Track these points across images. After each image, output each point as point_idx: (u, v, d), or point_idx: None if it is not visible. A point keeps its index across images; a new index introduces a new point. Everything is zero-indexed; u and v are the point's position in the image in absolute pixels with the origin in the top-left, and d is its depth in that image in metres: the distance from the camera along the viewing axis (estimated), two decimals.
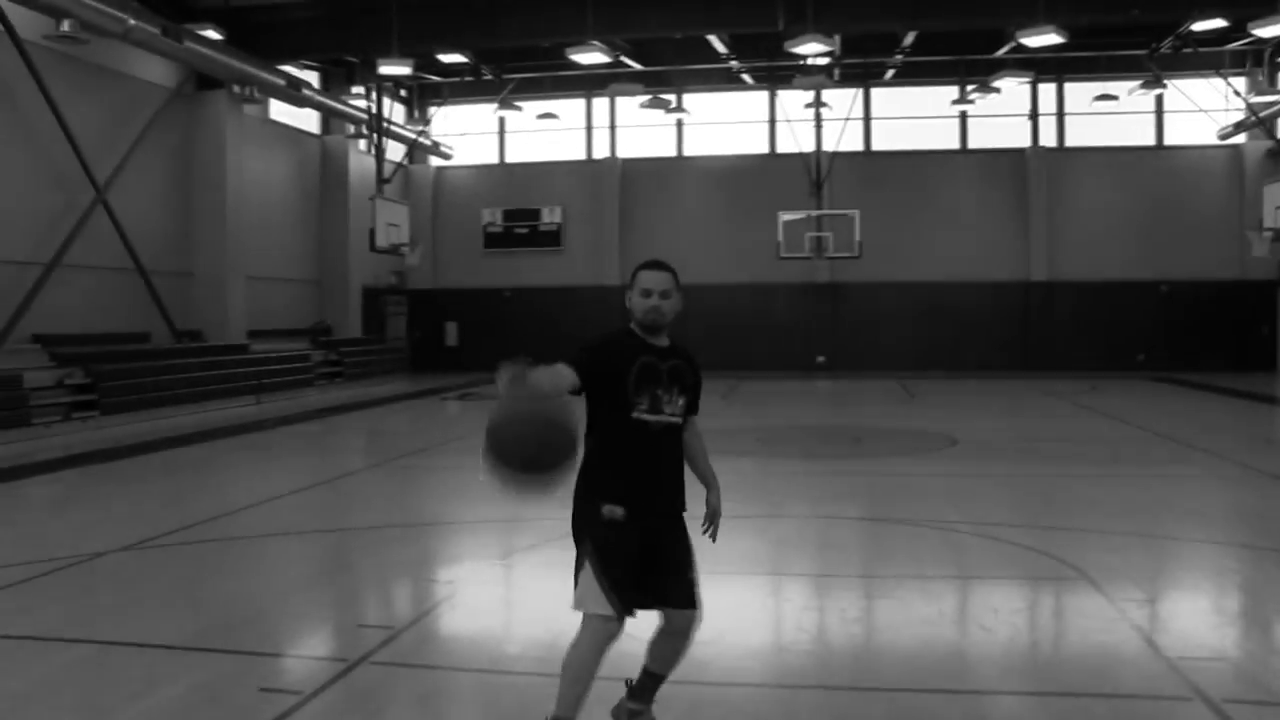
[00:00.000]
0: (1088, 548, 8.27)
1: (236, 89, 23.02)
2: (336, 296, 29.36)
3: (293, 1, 23.58)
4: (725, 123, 32.56)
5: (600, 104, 32.93)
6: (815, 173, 30.05)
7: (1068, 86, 31.09)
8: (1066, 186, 30.87)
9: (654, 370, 4.31)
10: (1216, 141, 30.48)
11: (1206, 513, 10.21)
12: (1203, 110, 29.46)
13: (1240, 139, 30.09)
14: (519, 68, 29.11)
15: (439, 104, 31.93)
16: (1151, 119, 30.98)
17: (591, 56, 22.94)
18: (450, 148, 33.41)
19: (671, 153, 32.94)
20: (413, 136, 30.93)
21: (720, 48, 26.74)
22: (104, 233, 20.36)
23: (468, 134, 33.53)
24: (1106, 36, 26.38)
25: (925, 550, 8.46)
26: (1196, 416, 18.94)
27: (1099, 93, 29.10)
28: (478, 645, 6.12)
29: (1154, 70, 27.53)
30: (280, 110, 27.11)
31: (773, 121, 32.22)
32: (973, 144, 31.73)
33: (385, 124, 28.01)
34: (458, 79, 30.02)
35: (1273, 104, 27.55)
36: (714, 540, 4.60)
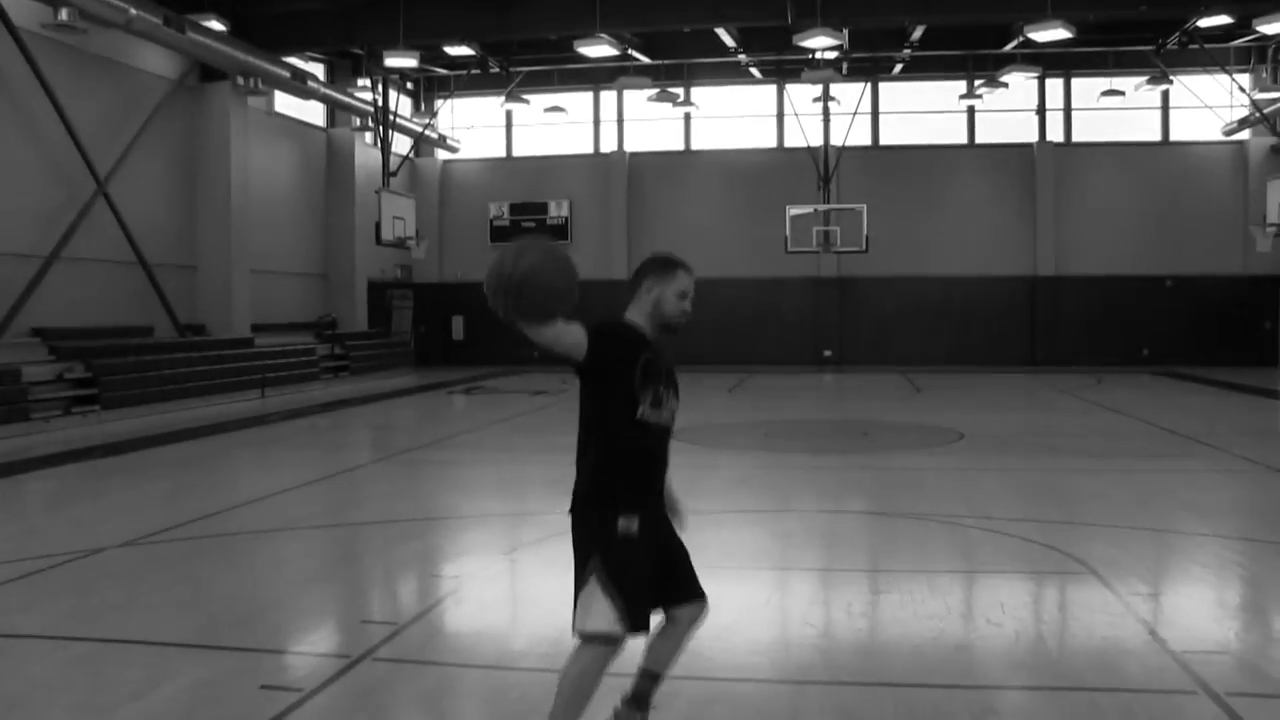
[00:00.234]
0: (1094, 541, 8.24)
1: (240, 81, 23.02)
2: (342, 290, 29.37)
3: None
4: (733, 117, 32.50)
5: (608, 97, 32.87)
6: (823, 167, 29.97)
7: (1075, 82, 31.01)
8: (1073, 182, 30.80)
9: (656, 367, 4.09)
10: (1221, 138, 30.44)
11: (1210, 506, 10.19)
12: (1208, 106, 29.38)
13: (1244, 135, 30.06)
14: (526, 60, 29.03)
15: (446, 97, 31.88)
16: (1158, 115, 30.91)
17: (599, 49, 22.88)
18: (457, 141, 33.36)
19: (679, 146, 32.89)
20: (419, 129, 30.89)
21: (729, 41, 26.64)
22: (106, 226, 20.36)
23: (474, 127, 33.50)
24: (1113, 32, 26.30)
25: (932, 544, 8.43)
26: (1200, 411, 18.90)
27: (1106, 88, 29.05)
28: (482, 641, 6.11)
29: (1160, 66, 27.48)
30: (285, 103, 27.08)
31: (781, 116, 32.14)
32: (980, 139, 31.66)
33: (391, 116, 27.97)
34: (464, 72, 29.94)
35: (1276, 100, 27.53)
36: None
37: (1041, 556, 7.87)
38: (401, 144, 29.91)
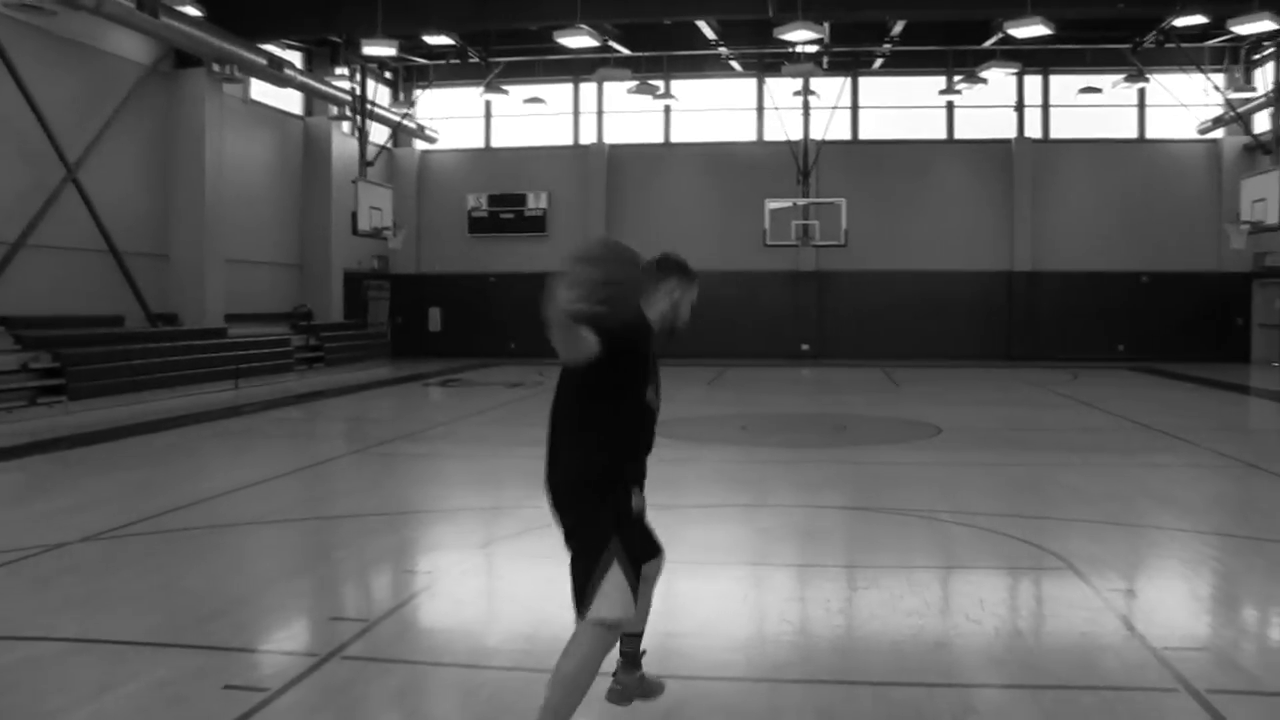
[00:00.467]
0: (1072, 537, 8.23)
1: (216, 68, 22.73)
2: (318, 281, 29.11)
3: None
4: (713, 110, 32.40)
5: (588, 89, 32.73)
6: (803, 161, 29.93)
7: (1053, 79, 31.11)
8: (1051, 177, 30.89)
9: (653, 358, 4.20)
10: (1196, 136, 30.64)
11: (1186, 501, 10.22)
12: (1183, 105, 29.56)
13: (1219, 134, 30.29)
14: (506, 51, 28.85)
15: (424, 87, 31.67)
16: (1134, 112, 31.03)
17: (579, 40, 22.75)
18: (435, 131, 33.16)
19: (659, 139, 32.77)
20: (397, 119, 30.68)
21: (709, 34, 26.57)
22: (75, 213, 20.05)
23: (453, 117, 33.29)
24: (1091, 30, 26.39)
25: (910, 540, 8.39)
26: (1176, 406, 18.97)
27: (1083, 85, 29.14)
28: (456, 638, 5.99)
29: (1137, 64, 27.60)
30: (262, 90, 26.78)
31: (761, 109, 32.09)
32: (959, 134, 31.70)
33: (369, 106, 27.76)
34: (443, 61, 29.77)
35: (1249, 100, 27.76)
36: None
37: (1020, 552, 7.84)
38: (379, 134, 29.70)
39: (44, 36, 19.35)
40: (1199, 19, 22.80)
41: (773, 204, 28.73)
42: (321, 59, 28.22)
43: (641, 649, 4.45)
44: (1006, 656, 5.51)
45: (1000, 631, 5.92)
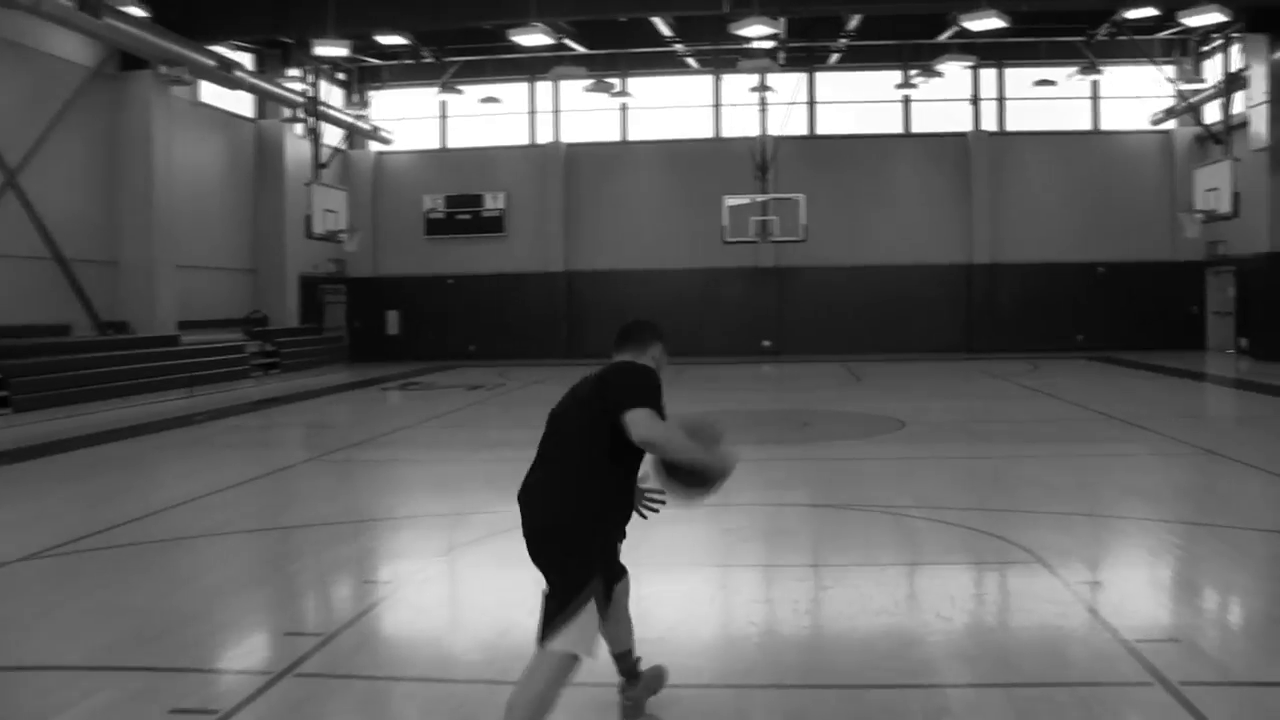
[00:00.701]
0: (1039, 529, 8.18)
1: (164, 69, 22.31)
2: (272, 285, 28.69)
3: None
4: (670, 107, 32.28)
5: (544, 88, 32.52)
6: (760, 157, 29.89)
7: (1008, 72, 31.26)
8: (1007, 170, 31.06)
9: None
10: (1149, 127, 30.93)
11: (1150, 490, 10.24)
12: (1136, 97, 29.82)
13: (1171, 125, 30.62)
14: (460, 50, 28.59)
15: (378, 87, 31.34)
16: (1088, 104, 31.26)
17: (534, 38, 22.52)
18: (390, 132, 32.82)
19: (616, 137, 32.62)
20: (351, 120, 30.33)
21: (665, 31, 26.44)
22: (16, 219, 19.59)
23: (408, 118, 32.97)
24: (1045, 22, 26.50)
25: (877, 536, 8.30)
26: (1134, 394, 19.09)
27: (1038, 78, 29.28)
28: (417, 650, 5.80)
29: (1090, 57, 27.78)
30: (212, 93, 26.37)
31: (718, 106, 32.04)
32: (916, 128, 31.79)
33: (323, 107, 27.42)
34: (397, 62, 29.45)
35: (1200, 91, 28.05)
36: None
37: (988, 546, 7.77)
38: (333, 136, 29.38)
39: None
40: (1150, 11, 22.96)
41: (731, 201, 28.66)
42: (273, 60, 27.82)
43: (636, 657, 4.70)
44: (978, 654, 5.41)
45: (971, 628, 5.83)
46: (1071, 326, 30.68)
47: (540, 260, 32.19)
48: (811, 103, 31.95)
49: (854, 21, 26.27)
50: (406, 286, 32.72)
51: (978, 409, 17.73)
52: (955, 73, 28.98)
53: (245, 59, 26.82)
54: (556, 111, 32.70)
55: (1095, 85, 30.50)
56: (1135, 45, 27.04)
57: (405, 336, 32.72)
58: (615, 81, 29.80)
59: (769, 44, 26.86)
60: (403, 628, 6.25)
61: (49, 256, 20.34)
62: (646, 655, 5.28)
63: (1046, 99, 30.28)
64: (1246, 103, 25.25)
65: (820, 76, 31.84)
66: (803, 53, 29.68)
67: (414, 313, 32.79)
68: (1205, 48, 28.79)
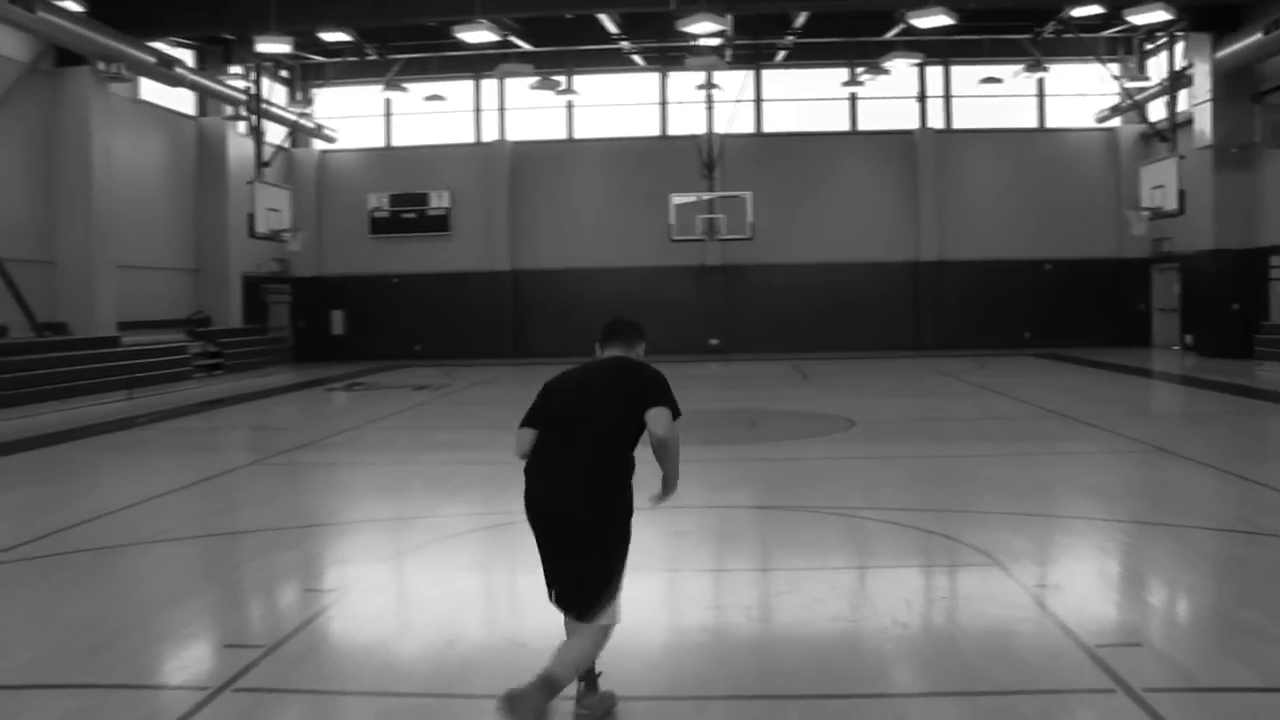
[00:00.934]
0: (993, 530, 8.13)
1: (102, 66, 21.81)
2: (215, 285, 28.17)
3: None
4: (616, 105, 32.14)
5: (489, 86, 32.27)
6: (707, 155, 29.84)
7: (954, 69, 31.44)
8: (954, 167, 31.26)
9: None
10: (1094, 124, 31.25)
11: (1103, 489, 10.26)
12: (1081, 94, 30.10)
13: (1115, 122, 30.95)
14: (405, 47, 28.22)
15: (322, 85, 30.89)
16: (1034, 102, 31.53)
17: (479, 35, 22.29)
18: (334, 131, 32.40)
19: (562, 135, 32.43)
20: (294, 119, 29.89)
21: (611, 28, 26.29)
22: None
23: (352, 116, 32.55)
24: (992, 20, 26.64)
25: (830, 539, 8.22)
26: (1083, 392, 19.21)
27: (984, 76, 29.47)
28: (362, 661, 5.58)
29: (1036, 54, 27.99)
30: (152, 90, 25.81)
31: (664, 103, 31.96)
32: (863, 126, 31.90)
33: (265, 105, 26.97)
34: (341, 59, 29.02)
35: (1144, 89, 28.41)
36: None
37: (943, 548, 7.71)
38: (276, 133, 28.94)
39: None
40: (1096, 9, 23.16)
41: (678, 199, 28.61)
42: (214, 57, 27.30)
43: (598, 670, 4.72)
44: (938, 661, 5.31)
45: (930, 634, 5.74)
46: (1019, 324, 30.94)
47: (486, 259, 31.93)
48: (758, 100, 31.96)
49: (801, 19, 26.28)
50: (351, 286, 32.33)
51: (927, 407, 17.76)
52: (902, 71, 29.12)
53: (186, 56, 26.33)
54: (502, 109, 32.45)
55: (1041, 83, 30.77)
56: (1080, 43, 27.30)
57: (350, 336, 32.34)
58: (561, 79, 29.59)
59: (716, 41, 26.82)
60: (348, 638, 6.04)
61: None
62: (601, 668, 5.15)
63: (992, 97, 30.49)
64: (1190, 101, 25.55)
65: (767, 74, 31.86)
66: (749, 50, 29.68)
67: (359, 312, 32.41)
68: (1150, 46, 29.11)
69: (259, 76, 26.54)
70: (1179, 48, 25.55)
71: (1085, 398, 18.04)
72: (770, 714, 4.75)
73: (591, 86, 31.38)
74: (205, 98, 27.79)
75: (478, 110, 32.56)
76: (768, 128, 32.06)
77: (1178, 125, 25.61)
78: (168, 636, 6.00)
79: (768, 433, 14.97)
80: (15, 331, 20.38)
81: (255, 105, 26.48)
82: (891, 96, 31.16)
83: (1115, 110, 30.36)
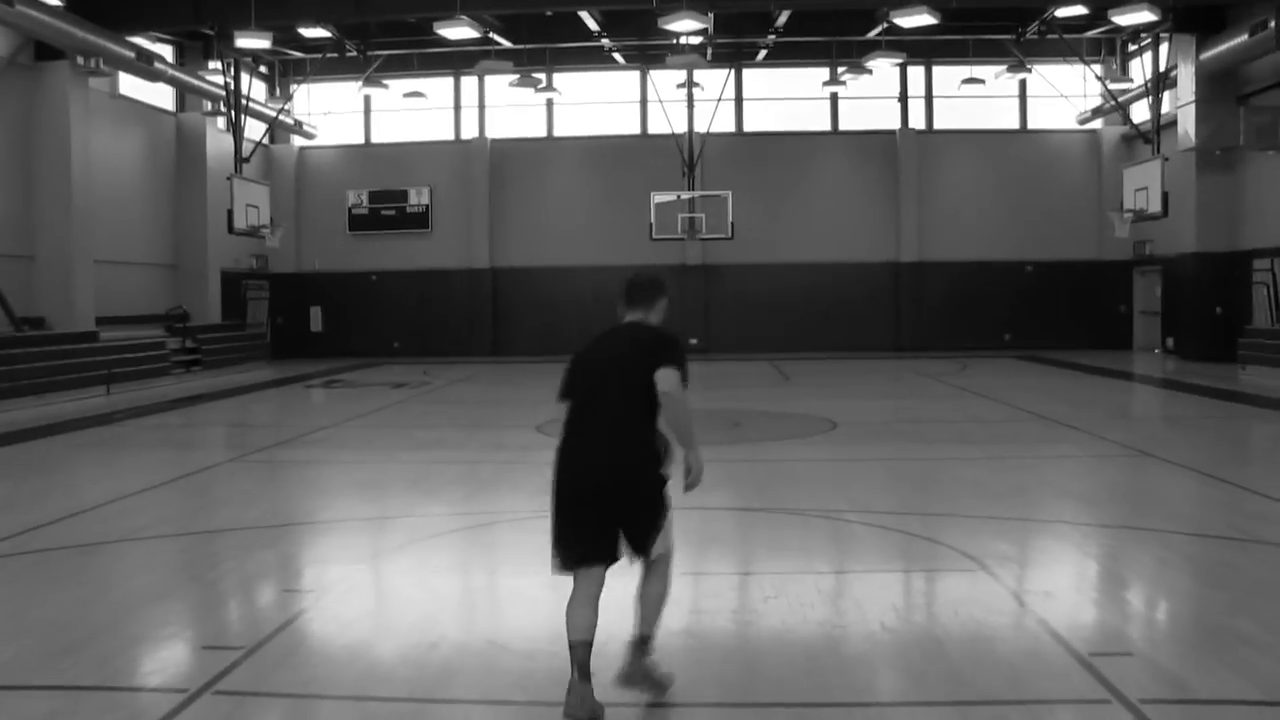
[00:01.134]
0: (980, 534, 8.09)
1: (81, 60, 21.60)
2: (194, 281, 27.94)
3: None
4: (597, 103, 32.04)
5: (469, 83, 32.12)
6: (688, 154, 29.78)
7: (936, 70, 31.45)
8: (935, 168, 31.29)
9: None
10: (1076, 126, 31.27)
11: (1088, 494, 10.25)
12: (1063, 96, 30.15)
13: (1097, 124, 30.97)
14: (385, 44, 28.07)
15: (301, 81, 30.65)
16: (1016, 103, 31.59)
17: (460, 32, 22.16)
18: (314, 127, 32.16)
19: (542, 133, 32.32)
20: (274, 115, 29.66)
21: (592, 25, 26.19)
22: None
23: (332, 113, 32.35)
24: (974, 20, 26.66)
25: (815, 542, 8.16)
26: (1065, 394, 19.22)
27: (966, 76, 29.48)
28: (343, 665, 5.47)
29: (1018, 55, 28.00)
30: (131, 85, 25.58)
31: (644, 102, 31.86)
32: (844, 126, 31.89)
33: (245, 101, 26.75)
34: (321, 55, 28.80)
35: (1126, 91, 28.42)
36: None
37: (929, 552, 7.66)
38: (255, 129, 28.69)
39: None
40: (1080, 10, 23.12)
41: (658, 197, 28.55)
42: (194, 52, 27.07)
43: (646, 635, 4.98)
44: (928, 669, 5.24)
45: (919, 641, 5.68)
46: (999, 325, 30.98)
47: (465, 257, 31.79)
48: (739, 99, 31.91)
49: (783, 18, 26.24)
50: (330, 283, 32.12)
51: (909, 409, 17.74)
52: (883, 71, 29.12)
53: (165, 51, 26.09)
54: (482, 107, 32.31)
55: (1023, 84, 30.82)
56: (1063, 44, 27.29)
57: (328, 333, 32.13)
58: (541, 77, 29.48)
59: (697, 39, 26.75)
60: (329, 640, 5.94)
61: None
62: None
63: (974, 98, 30.47)
64: (1174, 103, 25.52)
65: (748, 73, 31.83)
66: (730, 49, 29.63)
67: (337, 309, 32.21)
68: (1132, 47, 29.11)
69: (238, 72, 26.30)
70: (1163, 49, 25.54)
71: (1067, 400, 18.04)
72: None
73: (572, 84, 31.27)
74: (184, 93, 27.59)
75: (457, 107, 32.41)
76: (749, 127, 32.02)
77: (1161, 127, 25.59)
78: (145, 637, 5.89)
79: (750, 434, 14.91)
80: None
81: (234, 101, 26.25)
82: (873, 96, 31.17)
83: (1097, 112, 30.35)
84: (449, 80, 32.03)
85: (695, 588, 6.86)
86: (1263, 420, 15.81)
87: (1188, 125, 24.80)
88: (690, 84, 29.82)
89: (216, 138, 28.17)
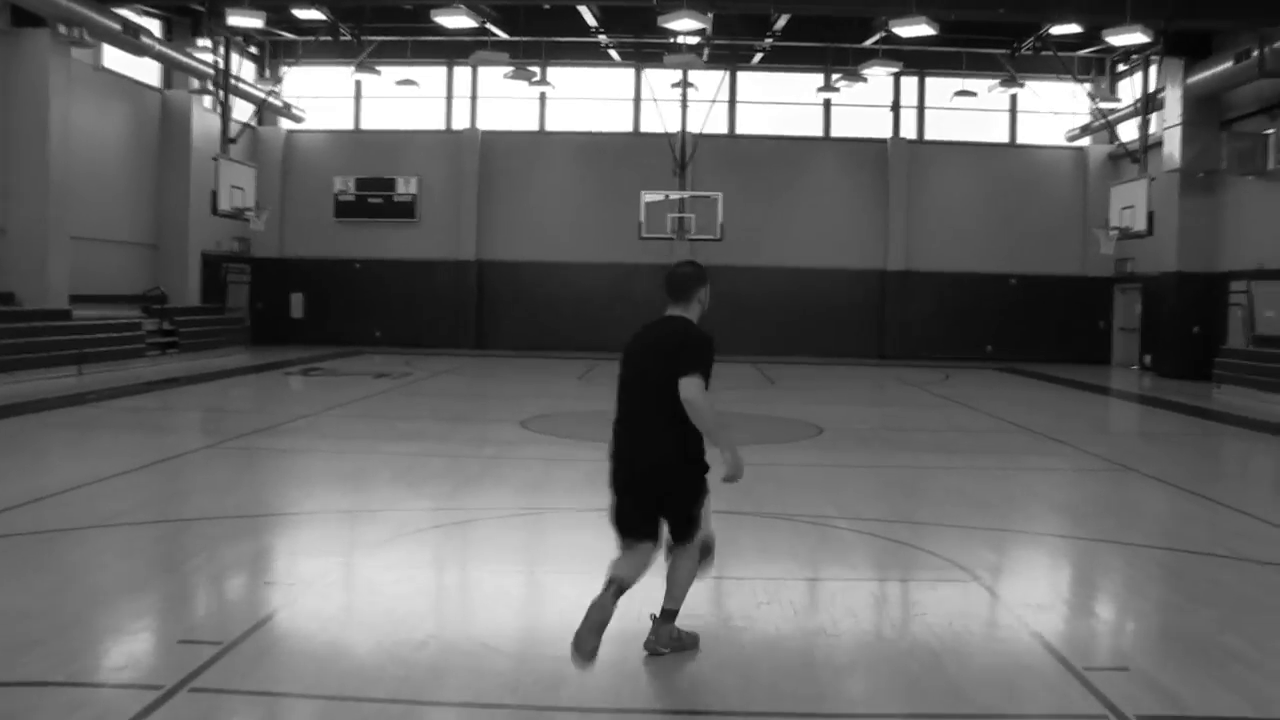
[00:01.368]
0: (970, 545, 8.02)
1: (63, 29, 21.19)
2: (174, 262, 27.60)
3: None
4: (590, 99, 31.86)
5: (462, 73, 31.88)
6: (679, 154, 29.63)
7: (929, 81, 31.44)
8: (924, 178, 31.27)
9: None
10: (1064, 143, 31.39)
11: (1075, 506, 10.24)
12: (1053, 112, 30.24)
13: (1085, 141, 31.09)
14: (379, 29, 27.76)
15: (292, 63, 30.35)
16: (1006, 117, 31.62)
17: (457, 20, 21.95)
18: (302, 110, 31.86)
19: (534, 127, 32.10)
20: (262, 96, 29.34)
21: (590, 20, 26.00)
22: None
23: (322, 97, 32.04)
24: (970, 33, 26.65)
25: (805, 548, 8.05)
26: (1047, 407, 19.25)
27: (959, 88, 29.49)
28: (325, 662, 5.26)
29: (1010, 71, 28.05)
30: (116, 58, 25.16)
31: (638, 100, 31.71)
32: (836, 133, 31.83)
33: (233, 81, 26.39)
34: (313, 38, 28.50)
35: (1115, 110, 28.62)
36: None
37: (920, 561, 7.57)
38: (243, 110, 28.35)
39: None
40: (1074, 28, 23.25)
41: (649, 196, 28.40)
42: (182, 28, 26.71)
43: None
44: (928, 682, 5.13)
45: (916, 652, 5.55)
46: (981, 337, 31.01)
47: (451, 248, 31.55)
48: (733, 102, 31.81)
49: (781, 21, 26.13)
50: (313, 269, 31.80)
51: (895, 417, 17.70)
52: (877, 80, 29.07)
53: (153, 25, 25.70)
54: (474, 97, 32.08)
55: (1014, 99, 30.87)
56: (1055, 61, 27.39)
57: (309, 320, 31.82)
58: (536, 70, 29.26)
59: (694, 40, 26.61)
60: (311, 636, 5.72)
61: None
62: (569, 675, 5.00)
63: (966, 110, 30.55)
64: (1161, 124, 25.70)
65: (742, 76, 31.73)
66: (727, 51, 29.51)
67: (319, 296, 31.89)
68: (1122, 67, 29.26)
69: (228, 50, 25.93)
70: (1152, 71, 25.68)
71: (1050, 413, 18.06)
72: None
73: (566, 79, 31.10)
74: (171, 70, 27.19)
75: (449, 97, 32.17)
76: (741, 129, 31.92)
77: (1149, 147, 25.73)
78: (118, 630, 5.67)
79: (737, 437, 14.50)
80: None
81: (223, 80, 25.89)
82: (865, 105, 31.12)
83: (1085, 130, 30.55)
84: (442, 69, 31.79)
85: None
86: (1237, 439, 15.93)
87: (1173, 147, 25.17)
88: (685, 84, 29.68)
89: (202, 117, 27.82)
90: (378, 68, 29.24)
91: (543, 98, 31.64)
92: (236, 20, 22.25)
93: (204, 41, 26.44)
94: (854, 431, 15.35)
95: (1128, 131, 27.70)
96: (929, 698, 4.93)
